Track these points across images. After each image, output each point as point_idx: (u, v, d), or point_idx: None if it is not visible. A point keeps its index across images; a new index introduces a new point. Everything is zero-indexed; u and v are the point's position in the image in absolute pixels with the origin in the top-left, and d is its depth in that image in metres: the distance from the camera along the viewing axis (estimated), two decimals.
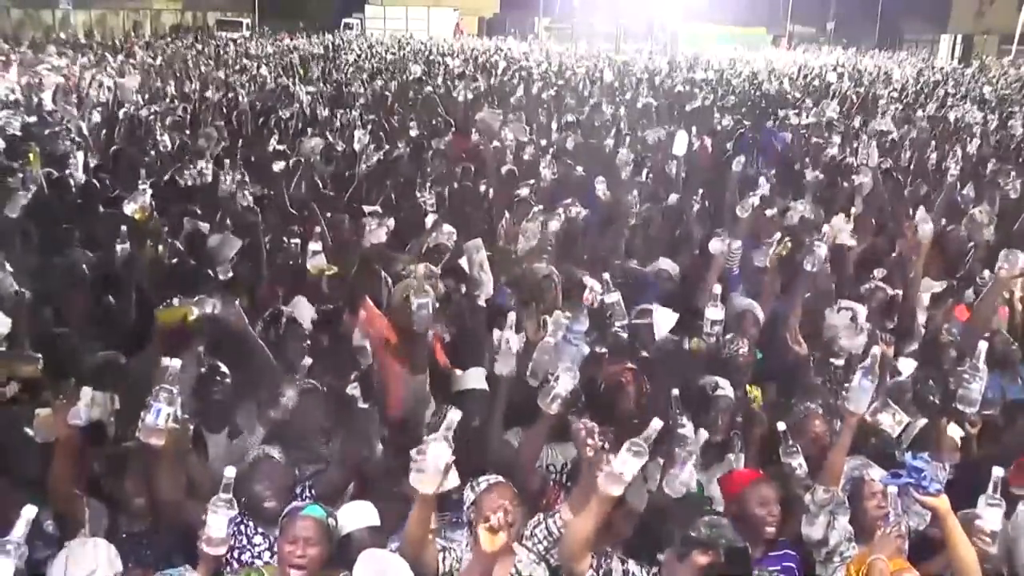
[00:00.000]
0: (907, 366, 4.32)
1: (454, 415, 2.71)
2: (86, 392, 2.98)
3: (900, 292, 5.02)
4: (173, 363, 2.88)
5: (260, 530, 3.12)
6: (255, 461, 3.19)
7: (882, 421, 3.34)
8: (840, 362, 4.25)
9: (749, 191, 5.84)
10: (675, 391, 3.43)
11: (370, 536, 2.97)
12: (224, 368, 3.83)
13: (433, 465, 2.60)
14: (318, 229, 4.95)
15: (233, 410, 3.86)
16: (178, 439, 3.01)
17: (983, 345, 3.41)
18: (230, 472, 2.73)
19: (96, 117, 10.02)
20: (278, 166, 6.78)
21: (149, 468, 3.04)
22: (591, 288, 3.80)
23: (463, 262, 4.74)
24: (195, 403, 3.72)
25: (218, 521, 2.69)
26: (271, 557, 3.05)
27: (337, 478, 3.33)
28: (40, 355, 3.73)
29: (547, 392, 3.13)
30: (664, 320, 4.40)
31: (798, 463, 3.31)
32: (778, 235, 5.18)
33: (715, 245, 4.96)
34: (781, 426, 3.37)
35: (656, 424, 2.73)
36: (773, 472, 3.39)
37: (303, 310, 4.54)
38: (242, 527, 3.08)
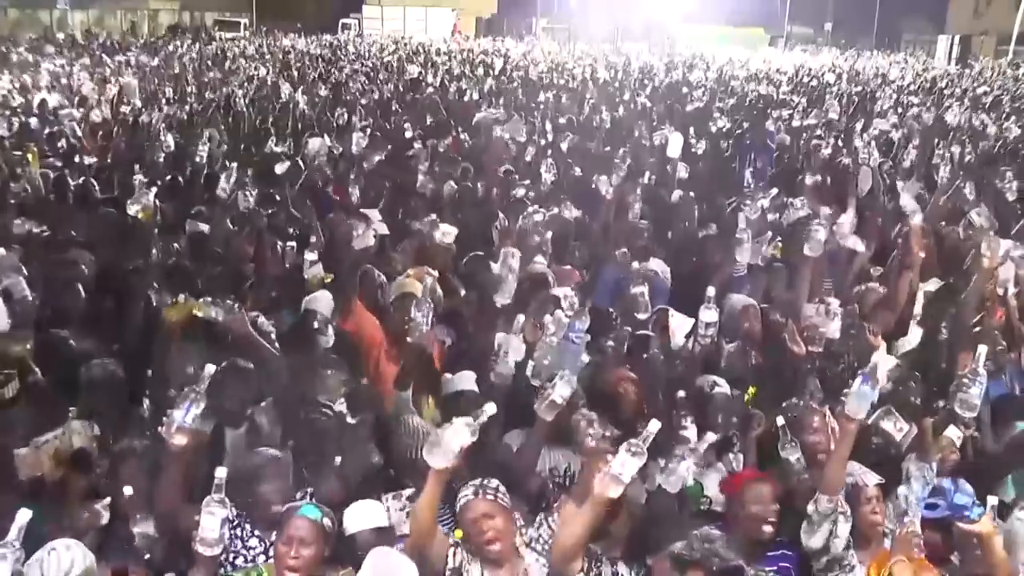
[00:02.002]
0: (887, 362, 4.33)
1: (490, 407, 2.77)
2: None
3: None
4: (208, 368, 2.89)
5: (256, 533, 3.10)
6: (262, 462, 3.18)
7: (885, 428, 3.36)
8: (817, 349, 4.25)
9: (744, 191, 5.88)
10: (680, 393, 3.44)
11: (376, 537, 2.97)
12: (244, 364, 3.81)
13: (448, 441, 2.66)
14: (313, 239, 4.90)
15: (252, 406, 3.85)
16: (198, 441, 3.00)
17: (983, 349, 3.39)
18: (221, 473, 2.72)
19: (95, 117, 10.02)
20: (281, 168, 6.78)
21: (157, 472, 3.01)
22: (565, 296, 3.81)
23: (495, 266, 4.67)
24: (214, 399, 3.72)
25: (211, 522, 2.68)
26: (267, 560, 3.04)
27: (337, 490, 3.27)
28: (31, 336, 3.75)
29: (543, 398, 3.13)
30: (680, 326, 4.41)
31: (796, 457, 3.33)
32: (768, 234, 5.20)
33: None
34: (780, 420, 3.38)
35: (654, 425, 2.74)
36: (773, 472, 3.41)
37: (323, 304, 4.53)
38: (238, 530, 3.07)
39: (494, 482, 2.97)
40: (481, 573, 2.89)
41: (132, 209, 4.75)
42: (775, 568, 3.18)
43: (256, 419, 3.78)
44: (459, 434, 2.67)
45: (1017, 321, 4.80)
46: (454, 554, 2.89)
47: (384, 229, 5.59)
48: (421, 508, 2.81)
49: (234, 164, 6.52)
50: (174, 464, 2.91)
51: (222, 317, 3.78)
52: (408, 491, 3.09)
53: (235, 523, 3.05)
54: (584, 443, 2.97)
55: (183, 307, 3.84)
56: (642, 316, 4.38)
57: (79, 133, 8.92)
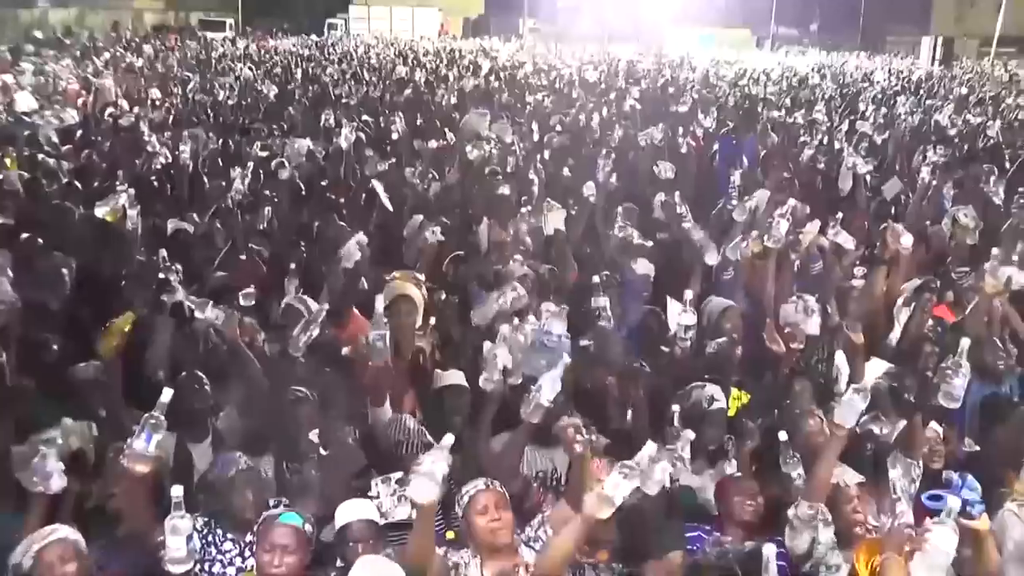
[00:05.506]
0: (878, 367, 4.34)
1: (448, 439, 2.74)
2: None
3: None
4: (166, 392, 2.86)
5: (230, 536, 3.09)
6: (237, 470, 3.16)
7: (874, 430, 3.37)
8: (799, 346, 4.27)
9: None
10: (675, 407, 3.42)
11: (367, 529, 2.97)
12: (202, 376, 3.81)
13: (433, 473, 2.63)
14: (293, 265, 4.85)
15: (214, 418, 3.83)
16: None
17: (965, 342, 3.43)
18: (177, 491, 2.69)
19: (76, 118, 9.92)
20: (284, 174, 6.72)
21: (122, 494, 2.98)
22: (547, 310, 3.83)
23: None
24: (175, 413, 3.68)
25: (176, 541, 2.67)
26: (243, 562, 3.03)
27: (314, 507, 3.25)
28: None
29: (529, 402, 3.12)
30: (676, 311, 4.41)
31: (797, 473, 3.34)
32: (755, 233, 5.21)
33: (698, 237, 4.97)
34: (783, 436, 3.38)
35: (651, 448, 2.73)
36: (768, 477, 3.42)
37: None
38: (210, 536, 3.05)
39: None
40: (480, 572, 2.89)
41: (100, 211, 4.71)
42: None
43: (219, 429, 3.76)
44: (439, 463, 2.64)
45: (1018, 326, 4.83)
46: (455, 569, 2.89)
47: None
48: (416, 541, 2.81)
49: (239, 169, 6.47)
50: (137, 488, 2.87)
51: (221, 323, 3.77)
52: (396, 475, 3.07)
53: (204, 531, 3.03)
54: (573, 452, 2.97)
55: (110, 336, 3.75)
56: (607, 326, 4.36)
57: (54, 139, 8.79)
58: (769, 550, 2.55)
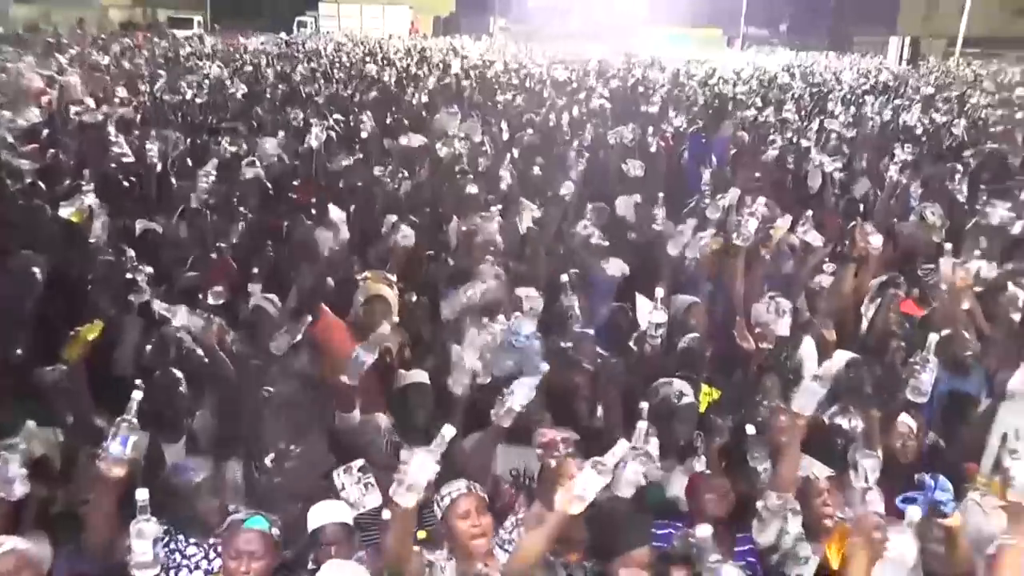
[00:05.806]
0: (840, 357, 4.40)
1: (448, 431, 2.68)
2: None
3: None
4: (136, 394, 2.83)
5: (192, 540, 3.04)
6: (201, 476, 3.13)
7: (841, 424, 3.41)
8: (769, 346, 4.31)
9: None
10: (644, 404, 3.41)
11: (340, 532, 2.95)
12: (179, 375, 3.77)
13: (415, 478, 2.58)
14: (256, 269, 4.79)
15: (189, 419, 3.79)
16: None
17: (933, 337, 3.49)
18: (142, 494, 2.65)
19: (39, 116, 9.72)
20: (249, 173, 6.63)
21: (95, 498, 2.91)
22: (527, 296, 3.82)
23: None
24: (150, 414, 3.64)
25: (142, 545, 2.63)
26: (209, 564, 2.99)
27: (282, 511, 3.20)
28: None
29: (501, 406, 3.11)
30: (645, 308, 4.44)
31: (764, 468, 3.36)
32: (711, 231, 5.27)
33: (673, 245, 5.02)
34: (750, 429, 3.40)
35: (624, 445, 2.73)
36: (737, 473, 3.44)
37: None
38: (172, 543, 3.01)
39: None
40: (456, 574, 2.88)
41: (65, 211, 4.62)
42: (743, 562, 3.22)
43: (194, 430, 3.72)
44: (425, 466, 2.58)
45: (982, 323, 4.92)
46: (430, 570, 2.87)
47: (346, 232, 5.51)
48: (395, 542, 2.76)
49: (208, 170, 6.38)
50: (111, 492, 2.82)
51: (198, 331, 3.75)
52: (357, 462, 3.03)
53: (166, 539, 2.98)
54: (548, 464, 2.98)
55: (75, 344, 3.66)
56: (577, 328, 4.38)
57: (9, 140, 8.59)
58: (703, 531, 2.54)
